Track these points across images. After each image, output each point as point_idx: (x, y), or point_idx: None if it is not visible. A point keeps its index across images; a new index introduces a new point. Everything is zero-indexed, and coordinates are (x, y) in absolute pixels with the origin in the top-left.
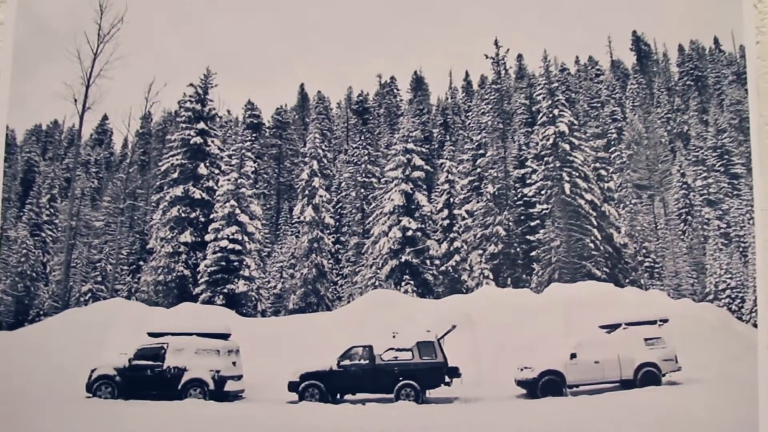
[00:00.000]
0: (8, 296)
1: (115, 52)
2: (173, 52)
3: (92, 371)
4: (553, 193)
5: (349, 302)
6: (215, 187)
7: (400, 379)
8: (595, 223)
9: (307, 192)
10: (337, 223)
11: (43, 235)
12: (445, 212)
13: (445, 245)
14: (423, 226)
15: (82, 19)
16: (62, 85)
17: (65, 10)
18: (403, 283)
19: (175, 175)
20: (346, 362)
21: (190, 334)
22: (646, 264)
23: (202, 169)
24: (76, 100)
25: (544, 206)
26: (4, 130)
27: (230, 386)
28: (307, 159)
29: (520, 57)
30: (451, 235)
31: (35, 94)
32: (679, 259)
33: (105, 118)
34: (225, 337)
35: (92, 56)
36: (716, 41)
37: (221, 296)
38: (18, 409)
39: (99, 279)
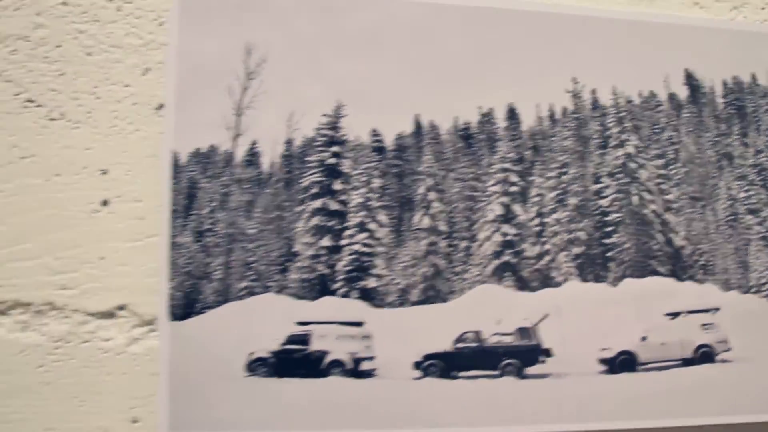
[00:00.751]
0: (178, 292)
1: (261, 87)
2: (309, 87)
3: (250, 354)
4: (623, 204)
5: (460, 295)
6: (348, 200)
7: (503, 358)
8: (658, 228)
9: (423, 204)
10: (450, 230)
11: (206, 240)
12: (537, 220)
13: (537, 247)
14: (519, 232)
15: (232, 60)
16: (217, 115)
17: (217, 51)
18: (504, 279)
19: (315, 191)
20: (460, 345)
21: (331, 323)
22: (701, 262)
23: (337, 185)
24: (229, 128)
25: (617, 215)
26: (170, 153)
27: (365, 366)
28: (423, 177)
29: (594, 91)
30: (543, 239)
31: (195, 122)
32: (728, 258)
33: (254, 142)
34: (359, 324)
35: (241, 91)
36: (753, 77)
37: (356, 291)
38: (190, 386)
39: (254, 277)
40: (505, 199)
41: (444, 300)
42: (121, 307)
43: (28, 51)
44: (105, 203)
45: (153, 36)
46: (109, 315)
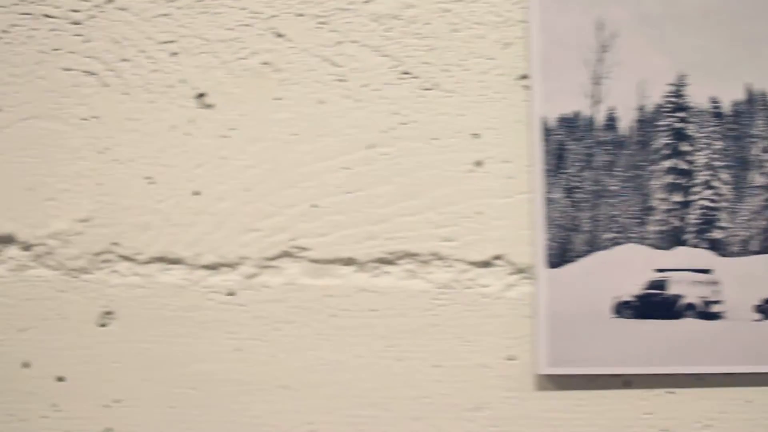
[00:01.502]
0: (554, 243)
1: (614, 59)
2: (656, 59)
3: (615, 298)
4: None
5: None
6: (694, 161)
7: None
8: None
9: (758, 164)
10: None
11: (575, 197)
12: None
13: None
14: None
15: (585, 34)
16: (576, 84)
17: (572, 27)
18: None
19: (666, 152)
20: None
21: (685, 270)
22: None
23: (684, 147)
24: (588, 96)
25: None
26: (539, 119)
27: (714, 308)
28: (756, 140)
29: None
30: None
31: (557, 91)
32: None
33: (611, 109)
34: (709, 272)
35: (596, 62)
36: None
37: (705, 242)
38: (564, 327)
39: (617, 229)
40: None
41: None
42: (498, 257)
43: (401, 29)
44: (478, 164)
45: (510, 14)
46: (486, 264)
